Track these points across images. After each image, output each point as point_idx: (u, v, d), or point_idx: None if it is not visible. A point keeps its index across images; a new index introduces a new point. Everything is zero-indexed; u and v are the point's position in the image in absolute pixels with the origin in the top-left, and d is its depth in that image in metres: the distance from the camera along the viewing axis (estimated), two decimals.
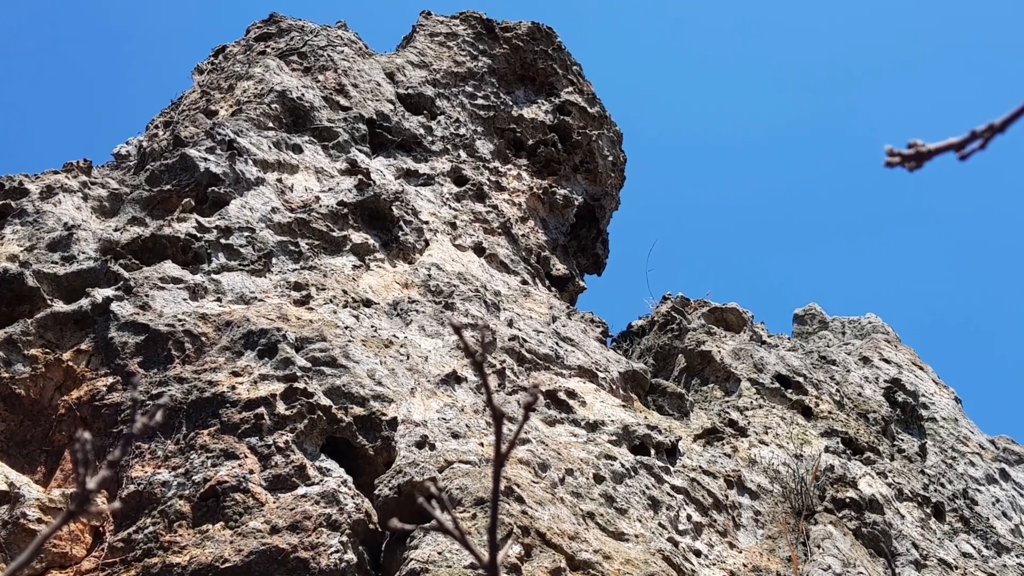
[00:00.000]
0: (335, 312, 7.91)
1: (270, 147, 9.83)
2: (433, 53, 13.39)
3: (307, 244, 8.74)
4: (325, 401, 6.67)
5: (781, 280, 44.24)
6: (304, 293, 8.01)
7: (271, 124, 10.26)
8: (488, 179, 11.98)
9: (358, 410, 6.79)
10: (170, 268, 7.69)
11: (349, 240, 9.07)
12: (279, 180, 9.47)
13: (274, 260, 8.35)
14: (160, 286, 7.43)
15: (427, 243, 9.78)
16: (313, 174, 9.94)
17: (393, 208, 9.74)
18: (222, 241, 8.23)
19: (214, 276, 7.84)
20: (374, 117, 11.41)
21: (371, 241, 9.26)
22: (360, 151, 10.73)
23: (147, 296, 7.27)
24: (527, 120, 13.35)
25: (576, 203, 13.00)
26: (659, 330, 11.37)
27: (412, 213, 9.98)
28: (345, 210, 9.36)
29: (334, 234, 9.00)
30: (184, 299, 7.43)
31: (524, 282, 10.37)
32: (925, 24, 49.53)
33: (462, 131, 12.39)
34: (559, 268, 11.91)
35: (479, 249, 10.34)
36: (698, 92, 50.02)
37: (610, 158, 13.99)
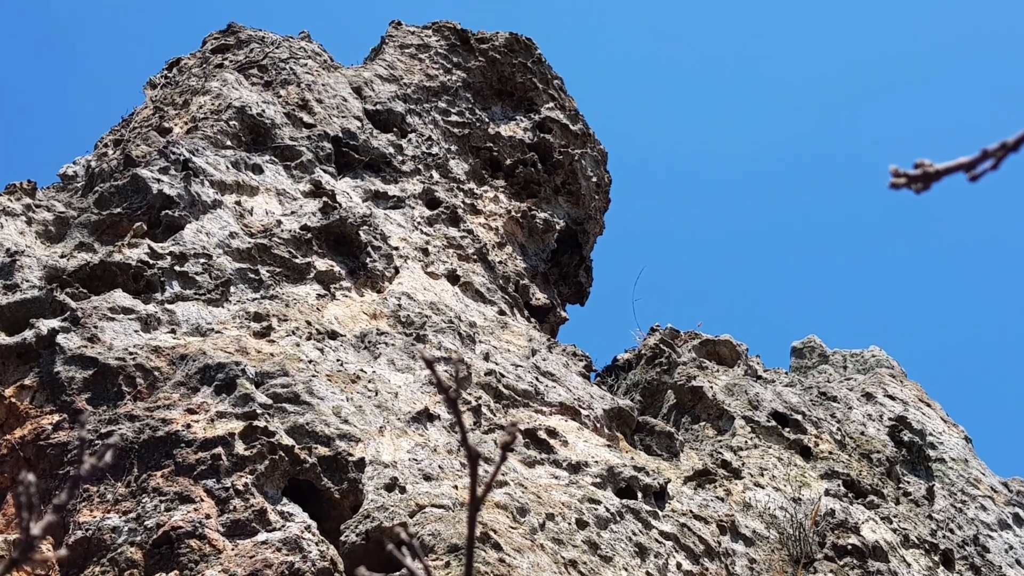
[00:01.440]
0: (298, 345, 7.94)
1: (228, 167, 9.86)
2: (404, 66, 13.45)
3: (268, 272, 8.77)
4: (287, 440, 6.69)
5: (778, 311, 44.35)
6: (265, 324, 8.04)
7: (229, 142, 10.30)
8: (463, 201, 12.02)
9: (323, 450, 6.81)
10: (120, 297, 7.71)
11: (313, 267, 9.10)
12: (238, 203, 9.50)
13: (232, 289, 8.38)
14: (110, 317, 7.45)
15: (397, 270, 9.82)
16: (274, 196, 9.98)
17: (360, 233, 9.78)
18: (176, 268, 8.25)
19: (168, 306, 7.86)
20: (340, 135, 11.46)
21: (337, 268, 9.29)
22: (325, 171, 10.77)
23: (95, 327, 7.29)
24: (505, 138, 13.41)
25: (557, 227, 13.06)
26: (647, 364, 11.42)
27: (381, 238, 10.02)
28: (309, 235, 9.40)
29: (297, 261, 9.03)
30: (135, 331, 7.45)
31: (501, 312, 10.41)
32: (933, 37, 49.98)
33: (435, 150, 12.45)
34: (539, 297, 11.96)
35: (453, 277, 10.38)
36: (689, 110, 50.28)
37: (594, 179, 14.06)
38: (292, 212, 9.77)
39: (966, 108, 46.69)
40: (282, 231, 9.29)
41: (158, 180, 9.14)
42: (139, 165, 9.44)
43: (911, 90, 48.03)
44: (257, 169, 10.19)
